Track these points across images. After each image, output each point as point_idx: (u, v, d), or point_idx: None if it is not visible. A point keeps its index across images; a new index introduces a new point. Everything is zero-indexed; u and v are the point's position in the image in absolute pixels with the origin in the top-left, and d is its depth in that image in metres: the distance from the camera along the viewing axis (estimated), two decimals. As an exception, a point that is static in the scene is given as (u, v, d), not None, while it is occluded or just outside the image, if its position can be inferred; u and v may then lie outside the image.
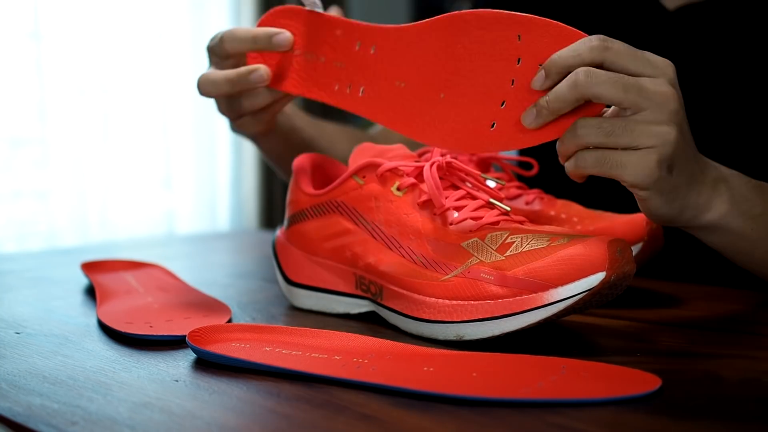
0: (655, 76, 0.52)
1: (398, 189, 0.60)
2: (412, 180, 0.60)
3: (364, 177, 0.62)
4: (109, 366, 0.52)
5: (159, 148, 2.40)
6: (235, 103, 0.71)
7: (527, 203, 0.73)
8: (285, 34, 0.66)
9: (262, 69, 0.67)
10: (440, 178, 0.59)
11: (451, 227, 0.57)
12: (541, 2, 0.96)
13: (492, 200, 0.59)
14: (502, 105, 0.53)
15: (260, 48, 0.67)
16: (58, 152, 2.18)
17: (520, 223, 0.58)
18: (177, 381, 0.49)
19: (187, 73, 2.38)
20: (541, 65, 0.53)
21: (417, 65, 0.57)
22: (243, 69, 0.67)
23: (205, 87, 0.69)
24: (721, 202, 0.57)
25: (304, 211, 0.67)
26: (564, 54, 0.52)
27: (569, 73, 0.52)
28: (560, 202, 0.73)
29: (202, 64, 0.74)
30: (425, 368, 0.49)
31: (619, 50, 0.52)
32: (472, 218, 0.58)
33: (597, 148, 0.52)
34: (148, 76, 2.34)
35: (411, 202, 0.60)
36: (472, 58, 0.54)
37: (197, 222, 2.52)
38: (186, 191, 2.48)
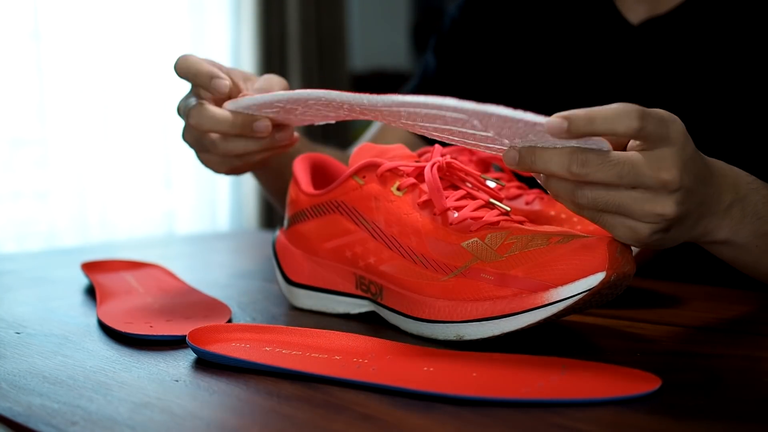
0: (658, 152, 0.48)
1: (398, 189, 0.60)
2: (412, 180, 0.60)
3: (364, 177, 0.62)
4: (109, 366, 0.52)
5: (159, 148, 2.39)
6: (205, 139, 0.68)
7: (527, 203, 0.73)
8: (264, 122, 0.66)
9: (267, 121, 0.66)
10: (440, 179, 0.59)
11: (451, 227, 0.57)
12: (507, 22, 0.96)
13: (492, 200, 0.59)
14: (506, 142, 0.52)
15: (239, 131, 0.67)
16: (58, 152, 2.17)
17: (520, 223, 0.58)
18: (177, 381, 0.49)
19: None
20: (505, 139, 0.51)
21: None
22: (248, 117, 0.66)
23: (201, 119, 0.66)
24: (730, 227, 0.55)
25: (304, 211, 0.67)
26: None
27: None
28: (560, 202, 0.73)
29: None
30: (425, 368, 0.49)
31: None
32: (472, 218, 0.57)
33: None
34: (148, 77, 2.33)
35: (411, 202, 0.60)
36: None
37: (197, 222, 2.51)
38: (186, 191, 2.47)
